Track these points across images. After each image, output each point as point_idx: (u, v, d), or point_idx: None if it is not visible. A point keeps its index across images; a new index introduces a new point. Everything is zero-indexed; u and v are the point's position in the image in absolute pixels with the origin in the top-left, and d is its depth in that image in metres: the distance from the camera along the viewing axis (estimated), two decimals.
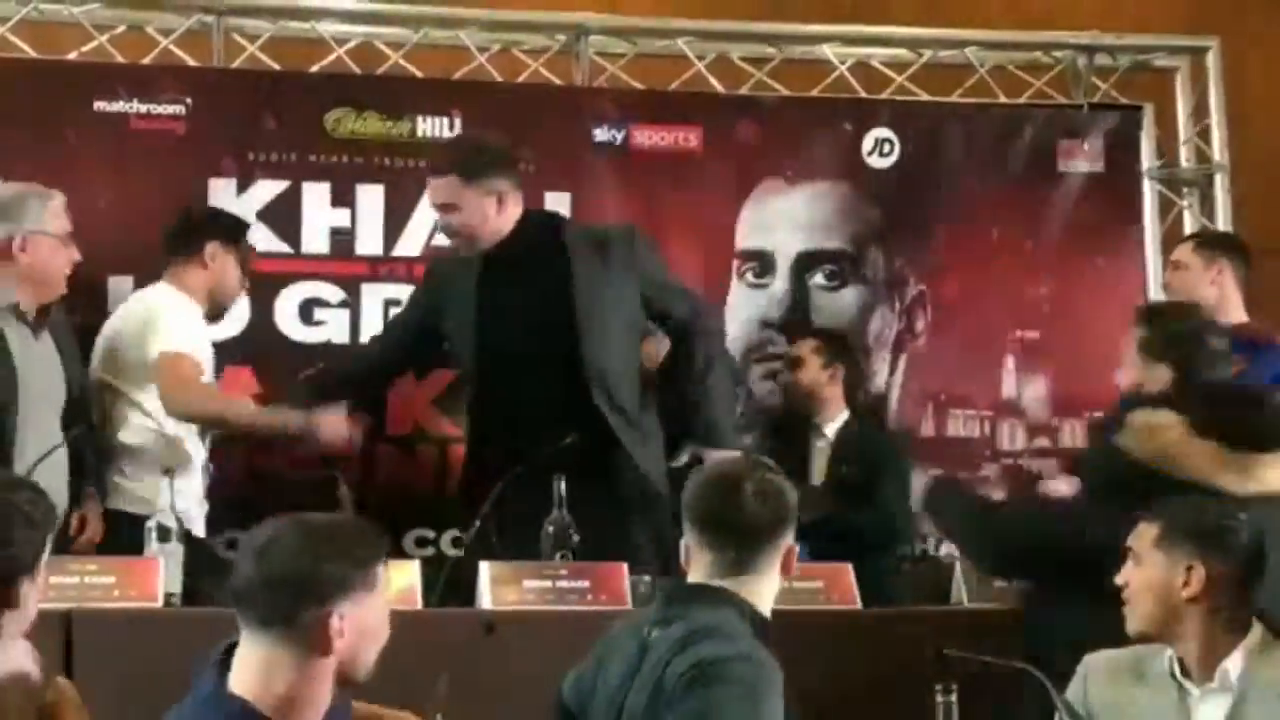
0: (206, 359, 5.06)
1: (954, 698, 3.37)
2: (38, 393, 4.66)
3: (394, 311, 5.55)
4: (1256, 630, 3.47)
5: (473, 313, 4.91)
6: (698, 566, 3.33)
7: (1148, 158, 6.53)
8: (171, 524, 4.27)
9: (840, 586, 4.40)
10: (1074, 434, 6.26)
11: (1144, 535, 3.51)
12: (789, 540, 3.34)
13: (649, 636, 3.28)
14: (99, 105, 5.68)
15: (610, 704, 3.31)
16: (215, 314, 5.23)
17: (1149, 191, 6.53)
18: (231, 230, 5.20)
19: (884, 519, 5.41)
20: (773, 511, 3.31)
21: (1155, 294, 6.19)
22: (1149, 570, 3.47)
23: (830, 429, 5.68)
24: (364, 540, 2.82)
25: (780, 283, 6.19)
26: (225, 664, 2.78)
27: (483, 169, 4.87)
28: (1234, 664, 3.43)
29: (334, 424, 4.97)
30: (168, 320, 4.96)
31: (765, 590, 3.32)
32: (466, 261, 4.97)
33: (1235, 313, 5.31)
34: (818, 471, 5.64)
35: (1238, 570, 3.47)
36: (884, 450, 5.61)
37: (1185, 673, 3.46)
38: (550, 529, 4.44)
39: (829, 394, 5.72)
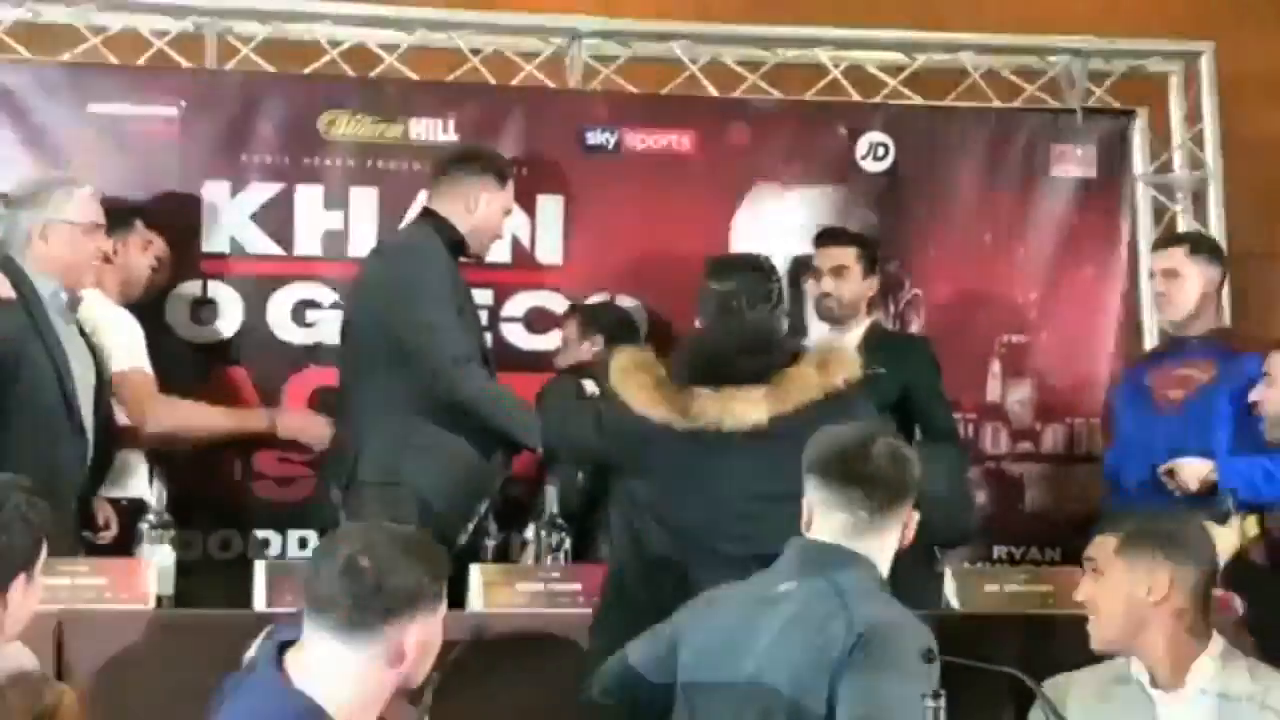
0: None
1: (942, 703, 3.38)
2: (77, 377, 4.70)
3: None
4: (1219, 640, 3.49)
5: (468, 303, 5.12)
6: (825, 525, 3.37)
7: (1141, 162, 6.51)
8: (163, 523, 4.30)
9: None
10: (1056, 438, 6.27)
11: (1102, 546, 3.53)
12: (910, 507, 3.39)
13: (778, 589, 3.30)
14: (93, 107, 5.69)
15: (733, 655, 3.30)
16: (127, 304, 5.29)
17: (1142, 196, 6.52)
18: (122, 220, 5.24)
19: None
20: (903, 474, 3.38)
21: (1146, 298, 6.19)
22: (1113, 580, 3.48)
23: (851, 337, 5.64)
24: (438, 554, 2.87)
25: None
26: (280, 662, 2.80)
27: None
28: (1203, 672, 3.45)
29: (295, 420, 5.30)
30: (114, 336, 4.99)
31: (888, 554, 3.38)
32: (449, 261, 5.11)
33: (1218, 317, 5.34)
34: None
35: (1199, 573, 3.50)
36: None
37: (1153, 682, 3.48)
38: (542, 532, 4.48)
39: (863, 306, 5.75)
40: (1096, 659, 3.62)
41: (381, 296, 5.07)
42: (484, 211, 5.19)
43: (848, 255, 5.73)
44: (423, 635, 2.79)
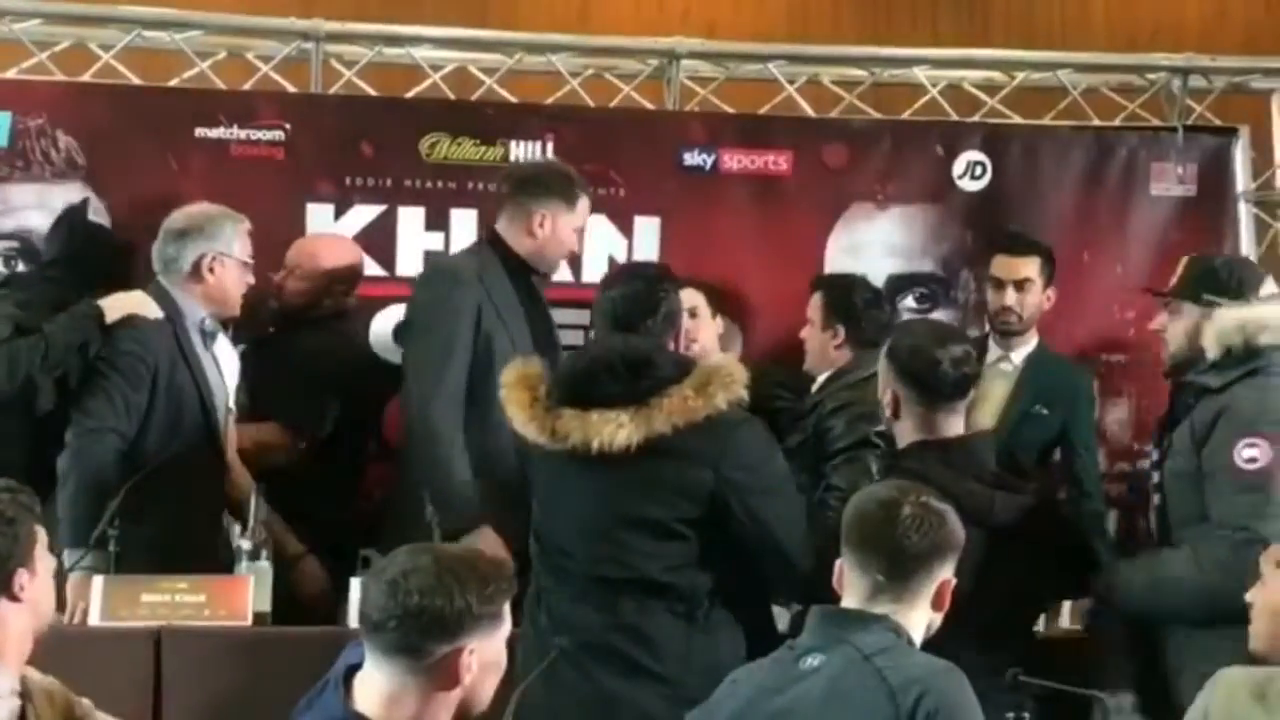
0: None
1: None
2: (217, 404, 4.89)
3: None
4: None
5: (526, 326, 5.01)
6: (849, 589, 3.33)
7: (1243, 180, 6.45)
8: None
9: None
10: None
11: (1270, 556, 3.53)
12: (945, 573, 3.33)
13: (803, 665, 3.24)
14: (200, 131, 5.79)
15: None
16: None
17: (1244, 214, 6.45)
18: None
19: None
20: (927, 539, 3.29)
21: None
22: (1270, 590, 3.48)
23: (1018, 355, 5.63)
24: (496, 574, 2.84)
25: None
26: (348, 685, 2.82)
27: None
28: None
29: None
30: (226, 369, 5.09)
31: (915, 621, 3.31)
32: (496, 273, 5.05)
33: None
34: None
35: None
36: None
37: None
38: None
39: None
40: None
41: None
42: (549, 234, 5.07)
43: (1032, 266, 5.61)
44: (479, 656, 2.77)
